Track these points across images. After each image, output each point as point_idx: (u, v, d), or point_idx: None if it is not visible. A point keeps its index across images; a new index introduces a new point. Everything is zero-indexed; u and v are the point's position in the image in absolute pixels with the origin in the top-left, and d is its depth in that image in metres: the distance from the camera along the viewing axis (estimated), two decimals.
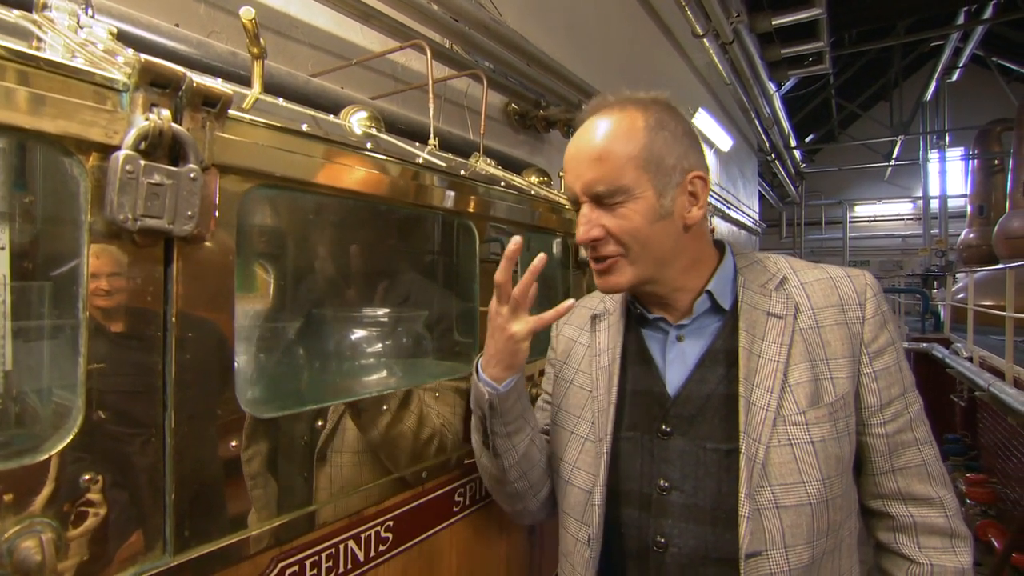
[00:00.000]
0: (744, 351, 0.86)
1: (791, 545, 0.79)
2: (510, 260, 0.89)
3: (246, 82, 1.20)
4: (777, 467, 0.81)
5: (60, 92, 0.61)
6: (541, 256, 0.90)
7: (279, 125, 0.85)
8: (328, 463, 0.95)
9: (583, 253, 0.94)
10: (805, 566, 0.80)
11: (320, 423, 0.95)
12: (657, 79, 6.58)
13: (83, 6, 0.92)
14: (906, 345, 7.57)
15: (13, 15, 0.82)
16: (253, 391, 1.01)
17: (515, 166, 2.10)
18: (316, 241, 1.24)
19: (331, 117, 1.29)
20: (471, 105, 3.20)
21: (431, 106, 1.63)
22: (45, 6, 0.86)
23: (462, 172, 1.25)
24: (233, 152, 0.77)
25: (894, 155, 17.23)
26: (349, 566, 0.95)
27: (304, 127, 0.89)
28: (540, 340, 0.98)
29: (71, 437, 0.63)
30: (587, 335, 1.03)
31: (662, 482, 0.87)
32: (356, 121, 1.30)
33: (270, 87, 1.24)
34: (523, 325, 0.92)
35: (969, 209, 11.74)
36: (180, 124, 0.69)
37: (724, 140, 9.15)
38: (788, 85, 11.22)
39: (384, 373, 1.29)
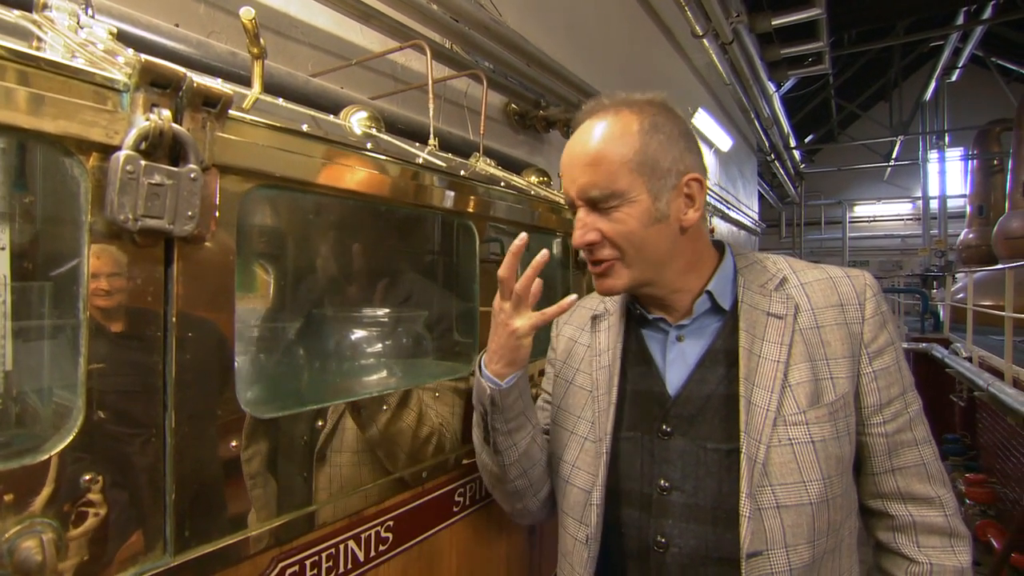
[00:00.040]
0: (744, 351, 0.86)
1: (792, 545, 0.79)
2: (514, 255, 0.89)
3: (246, 82, 1.20)
4: (778, 467, 0.81)
5: (60, 92, 0.61)
6: (543, 252, 0.90)
7: (279, 125, 0.85)
8: (328, 463, 0.95)
9: (582, 254, 0.94)
10: (806, 566, 0.80)
11: (320, 423, 0.95)
12: (657, 79, 6.58)
13: (83, 6, 0.92)
14: (905, 345, 7.58)
15: (13, 15, 0.82)
16: (253, 391, 1.01)
17: (515, 166, 2.10)
18: (316, 241, 1.24)
19: (331, 117, 1.29)
20: (471, 105, 3.20)
21: (431, 106, 1.63)
22: (45, 6, 0.86)
23: (462, 172, 1.25)
24: (233, 152, 0.77)
25: (893, 155, 17.24)
26: (349, 566, 0.95)
27: (304, 127, 0.89)
28: (541, 341, 0.98)
29: (71, 437, 0.63)
30: (587, 335, 1.03)
31: (663, 482, 0.87)
32: (356, 121, 1.30)
33: (270, 87, 1.24)
34: (525, 321, 0.92)
35: (968, 209, 11.75)
36: (180, 124, 0.69)
37: (724, 140, 9.16)
38: (788, 85, 11.24)
39: (384, 373, 1.29)
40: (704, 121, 8.00)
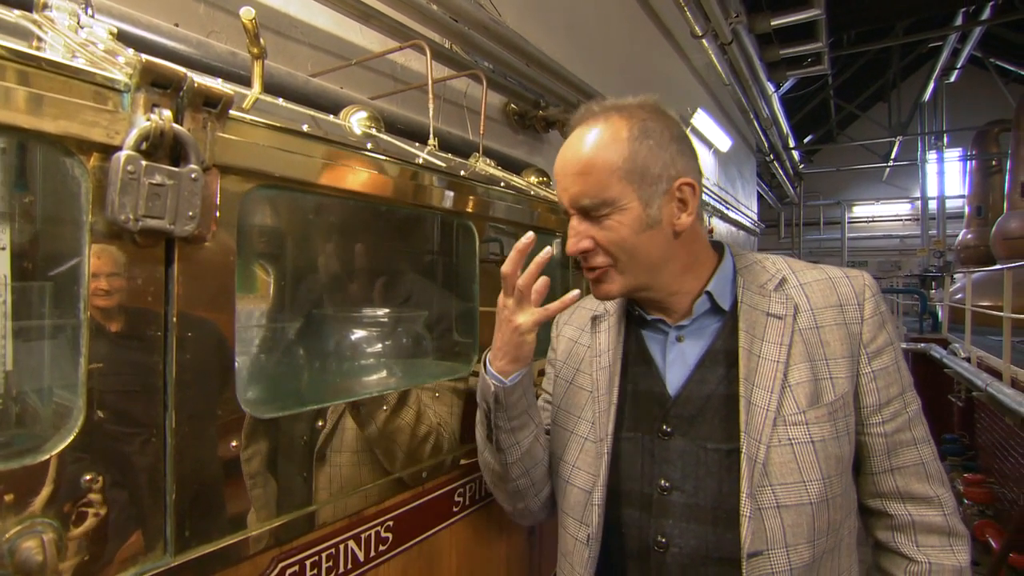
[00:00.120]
0: (744, 351, 0.86)
1: (792, 544, 0.79)
2: (520, 252, 0.89)
3: (246, 82, 1.20)
4: (778, 467, 0.81)
5: (61, 92, 0.61)
6: (547, 249, 0.90)
7: (280, 125, 0.85)
8: (328, 463, 0.95)
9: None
10: (806, 565, 0.80)
11: (320, 423, 0.95)
12: (656, 79, 6.59)
13: (83, 6, 0.92)
14: (904, 345, 7.59)
15: (13, 15, 0.82)
16: (253, 391, 1.01)
17: (514, 166, 2.10)
18: (316, 241, 1.24)
19: (331, 117, 1.29)
20: (470, 105, 3.20)
21: (431, 106, 1.63)
22: (45, 6, 0.86)
23: (462, 172, 1.25)
24: (234, 152, 0.77)
25: (892, 156, 17.27)
26: (349, 566, 0.96)
27: (304, 127, 0.89)
28: (541, 341, 0.98)
29: (72, 437, 0.63)
30: (588, 336, 1.03)
31: (663, 482, 0.87)
32: (356, 121, 1.30)
33: (270, 87, 1.24)
34: (528, 316, 0.92)
35: (967, 210, 11.76)
36: (181, 124, 0.69)
37: (723, 140, 9.16)
38: (787, 86, 11.25)
39: (384, 373, 1.29)
40: (703, 121, 8.01)
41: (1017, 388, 4.45)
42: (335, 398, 1.00)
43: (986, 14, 10.78)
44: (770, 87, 9.16)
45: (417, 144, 1.42)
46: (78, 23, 0.87)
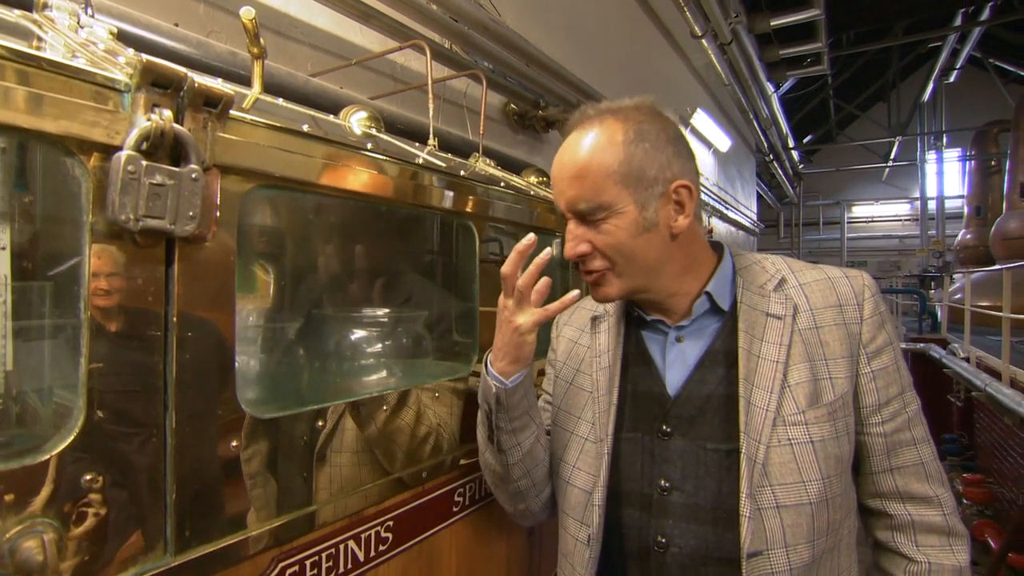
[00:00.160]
0: (743, 352, 0.86)
1: (792, 544, 0.79)
2: (520, 253, 0.89)
3: (246, 82, 1.20)
4: (777, 467, 0.81)
5: (62, 92, 0.61)
6: (547, 251, 0.90)
7: (280, 125, 0.85)
8: (328, 463, 0.95)
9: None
10: (805, 565, 0.80)
11: (320, 423, 0.95)
12: (656, 79, 6.59)
13: (83, 6, 0.92)
14: (903, 345, 7.60)
15: (14, 14, 0.82)
16: (253, 391, 1.01)
17: (514, 166, 2.10)
18: (316, 241, 1.24)
19: (331, 117, 1.29)
20: (470, 105, 3.20)
21: (431, 106, 1.63)
22: (45, 6, 0.86)
23: (462, 172, 1.25)
24: (234, 152, 0.77)
25: (892, 156, 17.27)
26: (349, 566, 0.96)
27: (304, 127, 0.89)
28: (541, 341, 0.98)
29: (72, 437, 0.63)
30: (587, 336, 1.03)
31: (663, 482, 0.87)
32: (356, 121, 1.30)
33: (270, 87, 1.24)
34: (528, 317, 0.92)
35: (966, 210, 11.75)
36: (182, 124, 0.69)
37: (722, 140, 9.16)
38: (786, 86, 11.25)
39: (384, 373, 1.29)
40: (703, 121, 8.01)
41: (1016, 388, 4.46)
42: (335, 398, 1.00)
43: (985, 15, 10.79)
44: (770, 87, 9.16)
45: (417, 144, 1.42)
46: (78, 23, 0.87)
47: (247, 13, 1.00)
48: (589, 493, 0.91)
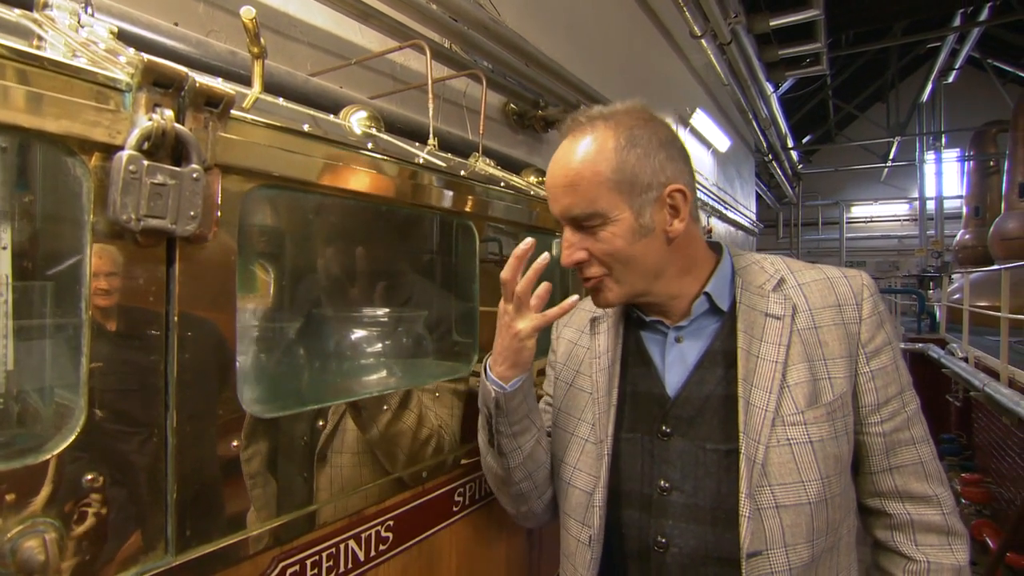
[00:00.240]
0: (742, 352, 0.86)
1: (791, 544, 0.80)
2: (518, 259, 0.89)
3: (245, 81, 1.20)
4: (776, 467, 0.81)
5: (63, 92, 0.61)
6: (544, 255, 0.90)
7: (281, 125, 0.85)
8: (328, 463, 0.95)
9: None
10: (805, 565, 0.80)
11: (320, 423, 0.95)
12: (655, 79, 6.59)
13: (83, 5, 0.91)
14: (902, 345, 7.61)
15: (14, 14, 0.82)
16: (254, 391, 1.01)
17: (514, 166, 2.10)
18: (317, 241, 1.24)
19: (331, 117, 1.29)
20: (470, 105, 3.20)
21: (431, 106, 1.63)
22: (46, 5, 0.86)
23: (462, 172, 1.25)
24: (235, 152, 0.77)
25: (891, 156, 17.30)
26: (349, 566, 0.96)
27: (305, 127, 0.89)
28: (541, 341, 0.98)
29: (73, 437, 0.63)
30: (587, 337, 1.03)
31: (662, 483, 0.87)
32: (356, 121, 1.30)
33: (269, 86, 1.24)
34: (527, 323, 0.92)
35: (965, 210, 11.78)
36: (183, 124, 0.69)
37: (722, 141, 9.17)
38: (785, 86, 11.26)
39: (384, 373, 1.29)
40: (702, 121, 8.01)
41: (1014, 388, 4.47)
42: (335, 398, 1.00)
43: (984, 15, 10.81)
44: (769, 87, 9.17)
45: (417, 144, 1.42)
46: (78, 22, 0.87)
47: (247, 13, 1.00)
48: (590, 494, 0.91)
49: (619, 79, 5.25)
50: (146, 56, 0.67)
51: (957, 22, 11.31)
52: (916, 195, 17.33)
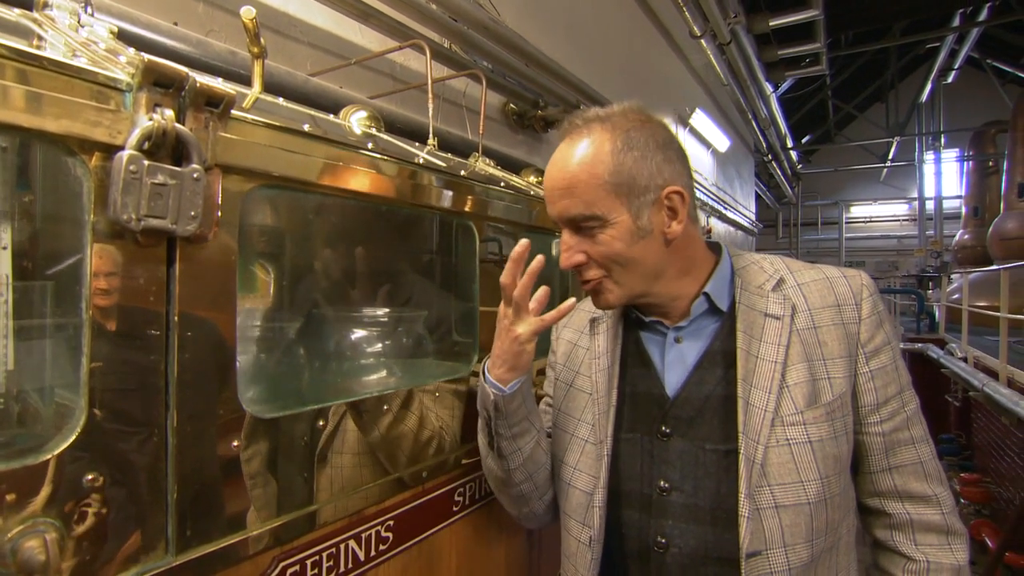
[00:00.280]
0: (742, 352, 0.86)
1: (790, 544, 0.80)
2: (515, 263, 0.89)
3: (245, 81, 1.20)
4: (776, 467, 0.81)
5: (64, 92, 0.61)
6: (538, 258, 0.90)
7: (281, 125, 0.85)
8: (328, 463, 0.95)
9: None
10: (804, 564, 0.80)
11: (321, 423, 0.95)
12: (655, 79, 6.60)
13: (83, 5, 0.91)
14: (902, 345, 7.62)
15: (14, 13, 0.81)
16: (254, 391, 1.01)
17: (513, 166, 2.10)
18: (317, 241, 1.24)
19: (331, 117, 1.29)
20: (469, 105, 3.20)
21: (431, 106, 1.63)
22: (46, 5, 0.86)
23: (462, 172, 1.26)
24: (236, 152, 0.77)
25: (890, 156, 17.32)
26: (350, 565, 0.96)
27: (305, 127, 0.89)
28: (541, 341, 0.98)
29: (74, 437, 0.63)
30: (586, 338, 1.03)
31: (662, 483, 0.87)
32: (356, 121, 1.30)
33: (269, 86, 1.24)
34: (527, 327, 0.92)
35: (964, 210, 11.80)
36: (183, 124, 0.69)
37: (721, 141, 9.17)
38: (785, 86, 11.26)
39: (384, 373, 1.29)
40: (701, 121, 8.02)
41: (1013, 388, 4.48)
42: (336, 398, 1.00)
43: (983, 15, 10.82)
44: (768, 87, 9.18)
45: (417, 144, 1.42)
46: (78, 22, 0.87)
47: (248, 13, 1.00)
48: (590, 495, 0.92)
49: (619, 79, 5.26)
50: (146, 56, 0.67)
51: (956, 22, 11.33)
52: (915, 195, 17.33)
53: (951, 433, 6.64)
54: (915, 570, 0.87)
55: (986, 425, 5.51)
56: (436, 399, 1.17)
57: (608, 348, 0.98)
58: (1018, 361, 4.97)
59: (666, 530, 0.86)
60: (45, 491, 0.61)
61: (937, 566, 0.86)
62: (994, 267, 6.96)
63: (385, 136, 1.31)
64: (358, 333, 1.27)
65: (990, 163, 11.41)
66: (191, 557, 0.73)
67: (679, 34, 6.52)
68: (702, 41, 6.04)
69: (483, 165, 1.63)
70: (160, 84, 0.67)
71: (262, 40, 1.07)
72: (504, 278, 0.90)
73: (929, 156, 16.54)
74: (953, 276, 9.83)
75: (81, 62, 0.64)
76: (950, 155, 16.59)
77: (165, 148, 0.67)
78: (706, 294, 0.90)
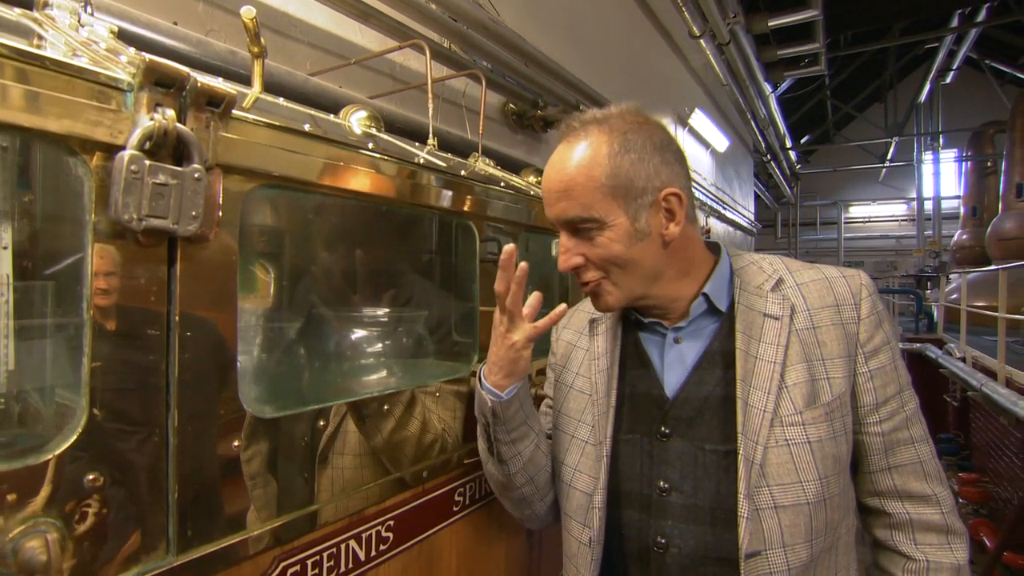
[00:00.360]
0: (741, 352, 0.86)
1: (790, 544, 0.80)
2: (504, 271, 0.90)
3: (245, 81, 1.20)
4: (775, 467, 0.81)
5: (65, 91, 0.61)
6: (522, 266, 0.91)
7: (282, 125, 0.85)
8: (329, 463, 0.95)
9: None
10: (804, 564, 0.80)
11: (321, 423, 0.95)
12: (654, 79, 6.60)
13: (83, 4, 0.91)
14: (900, 345, 7.61)
15: (14, 13, 0.81)
16: (255, 391, 1.01)
17: (513, 166, 2.10)
18: (317, 241, 1.24)
19: (331, 117, 1.29)
20: (469, 105, 3.20)
21: (430, 106, 1.63)
22: (46, 4, 0.86)
23: (462, 172, 1.26)
24: (236, 152, 0.77)
25: (889, 156, 17.34)
26: (350, 565, 0.96)
27: (306, 127, 0.89)
28: (541, 341, 0.99)
29: (75, 437, 0.63)
30: (586, 339, 1.03)
31: (662, 483, 0.87)
32: (356, 121, 1.30)
33: (269, 86, 1.24)
34: (521, 333, 0.93)
35: (962, 211, 11.82)
36: (184, 124, 0.69)
37: (720, 141, 9.18)
38: (784, 86, 11.27)
39: (384, 373, 1.29)
40: (701, 121, 8.02)
41: (1012, 388, 4.48)
42: (336, 398, 1.00)
43: (982, 16, 10.83)
44: (767, 87, 9.19)
45: (417, 144, 1.42)
46: (79, 21, 0.87)
47: (248, 12, 1.00)
48: (590, 495, 0.92)
49: (618, 79, 5.26)
50: (147, 56, 0.66)
51: (955, 23, 11.34)
52: (914, 195, 17.34)
53: (949, 433, 6.65)
54: (915, 569, 0.87)
55: (984, 425, 5.52)
56: (437, 399, 1.17)
57: (607, 349, 0.98)
58: (1016, 361, 4.98)
59: (666, 530, 0.86)
60: (46, 491, 0.60)
61: (937, 565, 0.86)
62: (992, 267, 6.97)
63: (385, 136, 1.31)
64: (358, 333, 1.27)
65: (988, 163, 11.43)
66: (192, 557, 0.73)
67: (678, 34, 6.52)
68: (701, 41, 6.04)
69: (483, 165, 1.63)
70: (161, 84, 0.67)
71: (262, 40, 1.07)
72: (498, 286, 0.91)
73: (928, 156, 16.56)
74: (951, 276, 9.85)
75: (82, 62, 0.64)
76: (949, 155, 16.62)
77: (166, 148, 0.67)
78: (705, 295, 0.90)
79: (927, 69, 14.17)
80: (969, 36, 11.96)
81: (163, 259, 0.70)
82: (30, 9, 0.85)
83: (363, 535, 0.98)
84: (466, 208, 1.25)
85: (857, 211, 20.30)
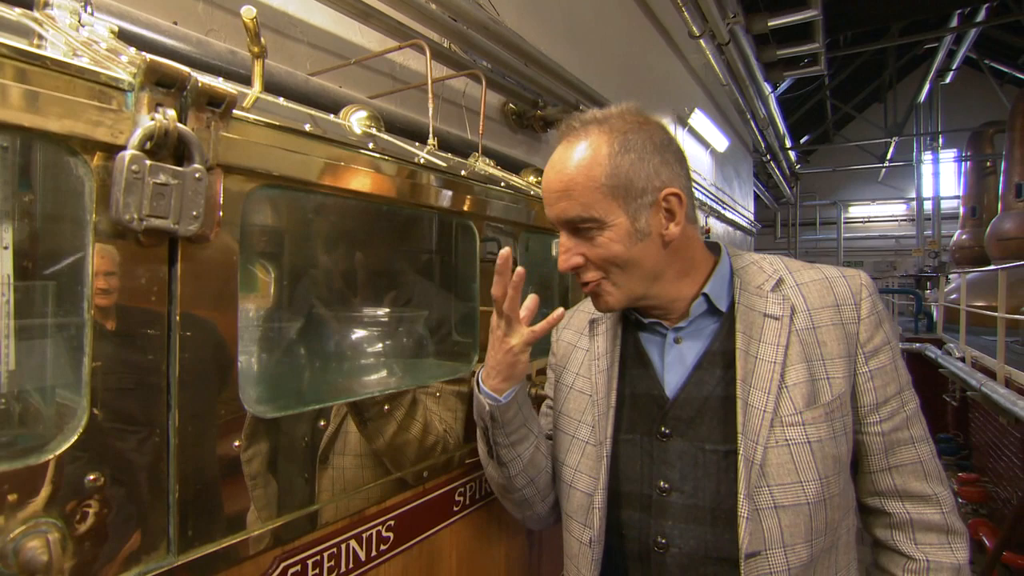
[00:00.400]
0: (741, 353, 0.86)
1: (790, 544, 0.80)
2: (501, 275, 0.90)
3: (245, 80, 1.20)
4: (775, 467, 0.81)
5: (66, 91, 0.61)
6: (519, 271, 0.91)
7: (283, 125, 0.85)
8: (330, 463, 0.95)
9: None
10: (804, 564, 0.80)
11: (322, 423, 0.95)
12: (654, 79, 6.60)
13: (83, 4, 0.91)
14: (900, 345, 7.63)
15: (15, 13, 0.81)
16: (256, 391, 1.01)
17: (513, 166, 2.10)
18: (318, 241, 1.24)
19: (331, 117, 1.29)
20: (469, 105, 3.20)
21: (431, 106, 1.63)
22: (46, 4, 0.85)
23: (462, 172, 1.26)
24: (237, 152, 0.77)
25: (888, 156, 17.36)
26: (351, 565, 0.96)
27: (306, 127, 0.89)
28: (542, 341, 0.99)
29: (76, 437, 0.63)
30: (586, 339, 1.03)
31: (662, 483, 0.87)
32: (356, 121, 1.30)
33: (269, 86, 1.24)
34: (519, 338, 0.93)
35: (962, 210, 11.83)
36: (185, 124, 0.69)
37: (720, 140, 9.18)
38: (783, 86, 11.29)
39: (384, 373, 1.29)
40: (700, 121, 8.02)
41: (1011, 388, 4.49)
42: (337, 398, 1.00)
43: (981, 16, 10.85)
44: (767, 87, 9.19)
45: (417, 144, 1.42)
46: (79, 21, 0.87)
47: (248, 12, 1.00)
48: (590, 496, 0.92)
49: (618, 79, 5.26)
50: (148, 56, 0.66)
51: (954, 23, 11.36)
52: (913, 195, 17.36)
53: (949, 433, 6.66)
54: (915, 569, 0.87)
55: (984, 425, 5.53)
56: (437, 399, 1.17)
57: (607, 349, 0.98)
58: (1016, 361, 4.98)
59: (666, 530, 0.86)
60: (47, 491, 0.60)
61: (937, 565, 0.86)
62: (992, 267, 6.98)
63: (385, 136, 1.30)
64: (359, 333, 1.27)
65: (988, 163, 11.44)
66: (193, 557, 0.73)
67: (678, 34, 6.53)
68: (701, 41, 6.04)
69: (483, 165, 1.63)
70: (162, 84, 0.67)
71: (262, 40, 1.07)
72: (495, 290, 0.91)
73: (927, 156, 16.57)
74: (951, 276, 9.86)
75: (83, 62, 0.64)
76: (948, 155, 16.64)
77: (167, 148, 0.67)
78: (705, 295, 0.90)
79: (927, 69, 14.19)
80: (968, 36, 11.97)
81: (164, 259, 0.70)
82: (30, 9, 0.85)
83: (363, 535, 0.98)
84: (466, 208, 1.25)
85: (857, 211, 20.32)
